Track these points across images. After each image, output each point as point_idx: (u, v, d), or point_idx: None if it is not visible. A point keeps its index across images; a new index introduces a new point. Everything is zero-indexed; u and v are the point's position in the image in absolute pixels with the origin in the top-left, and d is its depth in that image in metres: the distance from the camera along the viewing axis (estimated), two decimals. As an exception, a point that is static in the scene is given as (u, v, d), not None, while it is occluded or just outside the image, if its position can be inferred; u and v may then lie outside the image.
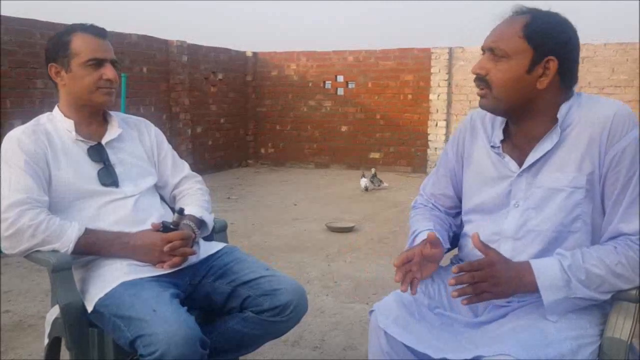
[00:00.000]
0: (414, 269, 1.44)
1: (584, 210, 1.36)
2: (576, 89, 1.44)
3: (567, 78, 1.39)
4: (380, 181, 7.06)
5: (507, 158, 1.47)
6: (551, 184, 1.38)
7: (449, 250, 1.65)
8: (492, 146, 1.50)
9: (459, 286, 1.30)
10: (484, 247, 1.31)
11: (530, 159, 1.41)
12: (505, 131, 1.49)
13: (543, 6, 1.42)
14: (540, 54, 1.35)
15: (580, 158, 1.35)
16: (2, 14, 5.31)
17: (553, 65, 1.35)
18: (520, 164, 1.44)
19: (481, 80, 1.42)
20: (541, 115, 1.40)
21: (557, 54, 1.35)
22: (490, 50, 1.39)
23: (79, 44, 1.73)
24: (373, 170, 7.23)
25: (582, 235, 1.37)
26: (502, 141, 1.49)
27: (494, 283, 1.29)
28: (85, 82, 1.74)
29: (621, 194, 1.32)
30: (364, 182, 6.81)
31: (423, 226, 1.55)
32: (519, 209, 1.43)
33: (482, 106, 1.46)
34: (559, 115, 1.38)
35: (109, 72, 1.75)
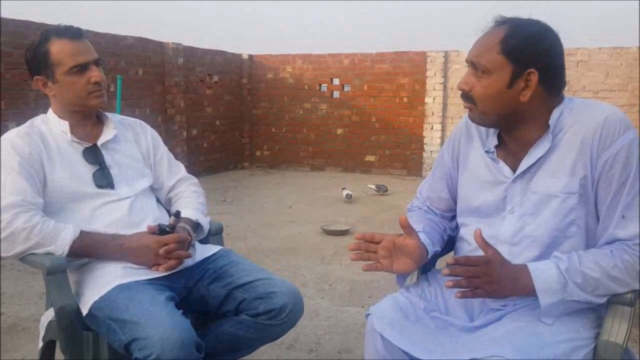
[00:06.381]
0: (382, 252, 1.43)
1: (578, 215, 1.36)
2: (570, 93, 1.44)
3: (552, 85, 1.38)
4: (385, 189, 7.03)
5: (502, 163, 1.47)
6: (545, 189, 1.38)
7: (442, 253, 1.65)
8: (486, 151, 1.50)
9: (454, 278, 1.29)
10: (485, 245, 1.31)
11: (524, 165, 1.41)
12: (500, 136, 1.49)
13: (525, 14, 1.41)
14: (520, 68, 1.34)
15: (572, 163, 1.35)
16: (-3, 15, 5.31)
17: (534, 77, 1.34)
18: (514, 170, 1.44)
19: (466, 96, 1.43)
20: (532, 122, 1.40)
21: (537, 65, 1.34)
22: (472, 65, 1.40)
23: (58, 53, 1.69)
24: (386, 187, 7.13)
25: (577, 240, 1.37)
26: (496, 146, 1.49)
27: (487, 281, 1.28)
28: (75, 90, 1.72)
29: (615, 199, 1.32)
30: (345, 192, 6.61)
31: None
32: (515, 214, 1.43)
33: (470, 119, 1.48)
34: (550, 122, 1.38)
35: (94, 74, 1.73)
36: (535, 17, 1.41)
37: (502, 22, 1.39)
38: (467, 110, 1.46)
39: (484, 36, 1.40)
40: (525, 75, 1.34)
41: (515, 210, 1.43)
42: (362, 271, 1.45)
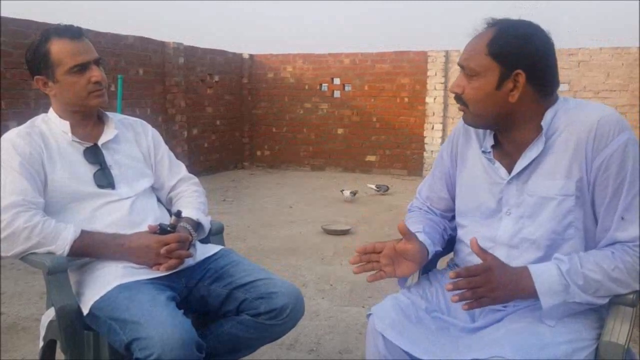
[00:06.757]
0: (384, 261, 1.44)
1: (576, 217, 1.36)
2: (571, 93, 1.45)
3: (542, 86, 1.38)
4: (386, 188, 7.03)
5: (497, 164, 1.47)
6: (542, 192, 1.38)
7: (444, 253, 1.65)
8: (483, 151, 1.50)
9: (458, 291, 1.29)
10: (482, 252, 1.31)
11: (518, 166, 1.41)
12: (496, 137, 1.49)
13: (524, 14, 1.41)
14: (507, 69, 1.35)
15: (568, 164, 1.35)
16: (-2, 14, 5.31)
17: (521, 78, 1.35)
18: (509, 171, 1.44)
19: (458, 98, 1.44)
20: (525, 123, 1.40)
21: (524, 66, 1.34)
22: (463, 68, 1.41)
23: (58, 52, 1.69)
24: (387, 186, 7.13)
25: (576, 242, 1.37)
26: (493, 147, 1.49)
27: (491, 288, 1.28)
28: (75, 90, 1.72)
29: (613, 201, 1.32)
30: (346, 193, 6.55)
31: (413, 229, 1.55)
32: (511, 216, 1.43)
33: (464, 122, 1.50)
34: (543, 123, 1.38)
35: (95, 74, 1.73)
36: (527, 17, 1.41)
37: (492, 24, 1.40)
38: (462, 113, 1.47)
39: (473, 39, 1.42)
40: (513, 76, 1.35)
41: (512, 212, 1.43)
42: (363, 272, 1.45)
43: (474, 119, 1.45)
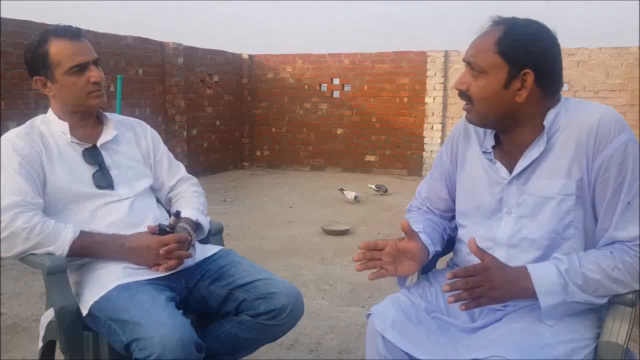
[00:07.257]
0: (386, 259, 1.43)
1: (576, 217, 1.36)
2: (571, 92, 1.44)
3: (549, 86, 1.38)
4: (385, 189, 7.03)
5: (498, 164, 1.47)
6: (542, 191, 1.38)
7: (443, 253, 1.65)
8: (483, 151, 1.50)
9: (455, 292, 1.29)
10: (481, 252, 1.31)
11: (519, 166, 1.41)
12: (497, 137, 1.49)
13: (521, 14, 1.41)
14: (515, 68, 1.34)
15: (568, 164, 1.35)
16: (-3, 15, 5.31)
17: (530, 78, 1.34)
18: (510, 171, 1.44)
19: (463, 95, 1.43)
20: (528, 123, 1.40)
21: (532, 66, 1.33)
22: (469, 65, 1.40)
23: (57, 53, 1.69)
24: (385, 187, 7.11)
25: (576, 242, 1.37)
26: (493, 147, 1.49)
27: (489, 288, 1.28)
28: (74, 90, 1.72)
29: (613, 200, 1.32)
30: (348, 195, 6.45)
31: (413, 228, 1.55)
32: (511, 216, 1.43)
33: (467, 120, 1.48)
34: (545, 123, 1.37)
35: (94, 74, 1.73)
36: (532, 17, 1.41)
37: (499, 22, 1.39)
38: (465, 112, 1.46)
39: (480, 36, 1.40)
40: (521, 75, 1.34)
41: (512, 212, 1.43)
42: (363, 271, 1.45)
43: (478, 118, 1.44)
